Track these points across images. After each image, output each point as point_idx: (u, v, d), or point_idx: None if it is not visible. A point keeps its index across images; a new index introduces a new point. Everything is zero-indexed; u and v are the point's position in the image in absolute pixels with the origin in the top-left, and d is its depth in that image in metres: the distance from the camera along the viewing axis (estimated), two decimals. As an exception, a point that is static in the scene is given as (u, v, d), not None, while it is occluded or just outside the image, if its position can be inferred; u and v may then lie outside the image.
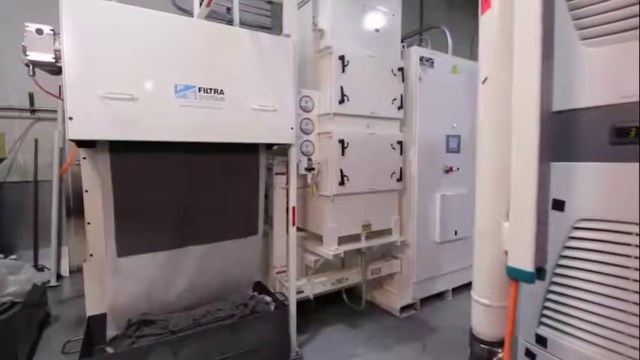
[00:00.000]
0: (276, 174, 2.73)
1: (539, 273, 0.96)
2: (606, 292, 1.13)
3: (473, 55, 6.28)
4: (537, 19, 0.85)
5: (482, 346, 1.15)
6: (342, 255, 2.66)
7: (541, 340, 1.30)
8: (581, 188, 1.13)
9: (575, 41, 1.11)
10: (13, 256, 2.96)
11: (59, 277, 3.85)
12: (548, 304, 1.25)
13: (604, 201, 1.09)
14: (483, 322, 1.16)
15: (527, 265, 0.96)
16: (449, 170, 3.26)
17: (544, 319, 1.27)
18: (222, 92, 2.08)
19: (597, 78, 1.08)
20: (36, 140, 3.85)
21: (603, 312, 1.14)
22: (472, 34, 7.25)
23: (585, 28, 1.11)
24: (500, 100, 0.97)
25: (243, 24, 2.41)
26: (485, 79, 0.99)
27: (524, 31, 0.88)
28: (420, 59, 3.00)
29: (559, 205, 1.17)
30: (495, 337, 1.13)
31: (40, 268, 3.58)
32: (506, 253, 1.05)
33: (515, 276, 1.01)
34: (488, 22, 0.99)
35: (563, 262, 1.24)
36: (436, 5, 6.51)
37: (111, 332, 2.07)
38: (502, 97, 0.96)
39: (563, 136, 1.13)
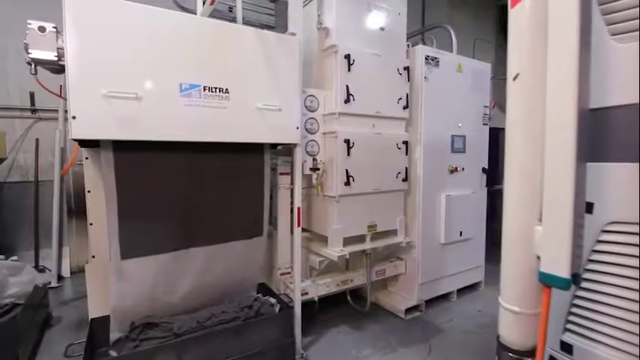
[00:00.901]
0: (280, 174, 2.69)
1: (575, 279, 0.90)
2: (637, 298, 1.08)
3: (475, 55, 6.24)
4: (575, 9, 0.80)
5: (511, 355, 1.09)
6: (348, 256, 2.62)
7: (566, 347, 1.25)
8: (612, 190, 1.08)
9: (605, 36, 1.06)
10: (14, 257, 2.91)
11: (60, 277, 3.81)
12: (574, 309, 1.20)
13: (636, 203, 1.04)
14: (513, 330, 1.09)
15: (563, 272, 0.91)
16: (454, 170, 3.22)
17: (570, 326, 1.22)
18: (227, 91, 2.04)
19: (629, 75, 1.03)
20: (37, 140, 3.80)
21: (633, 318, 1.09)
22: (473, 34, 7.21)
23: (614, 24, 1.06)
24: (532, 97, 0.92)
25: (246, 23, 2.37)
26: (517, 75, 0.94)
27: (560, 23, 0.83)
28: (426, 58, 2.96)
29: (588, 207, 1.11)
30: (525, 346, 1.07)
31: (41, 269, 3.54)
32: (538, 258, 1.00)
33: (549, 282, 0.95)
34: (519, 15, 0.94)
35: (592, 266, 1.18)
36: (437, 5, 6.47)
37: (114, 335, 2.03)
38: (535, 93, 0.90)
39: (593, 135, 1.07)
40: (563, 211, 0.89)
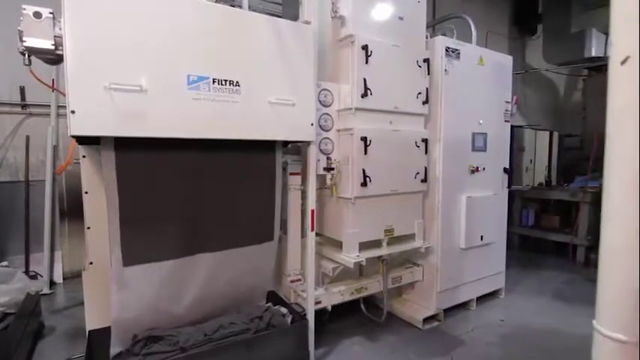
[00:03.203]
0: (291, 174, 2.61)
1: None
2: None
3: (487, 48, 6.15)
4: None
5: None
6: (364, 262, 2.54)
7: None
8: None
9: None
10: (4, 263, 2.84)
11: (52, 284, 3.72)
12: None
13: None
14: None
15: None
16: (475, 170, 3.15)
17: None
18: (237, 84, 1.97)
19: None
20: (27, 137, 3.72)
21: None
22: (486, 27, 7.13)
23: None
24: (646, 82, 0.82)
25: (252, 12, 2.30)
26: (626, 58, 0.84)
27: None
28: (446, 50, 2.88)
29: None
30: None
31: (32, 275, 3.46)
32: None
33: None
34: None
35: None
36: (449, -5, 6.39)
37: (115, 349, 1.95)
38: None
39: None
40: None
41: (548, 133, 7.04)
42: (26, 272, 3.53)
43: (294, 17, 2.41)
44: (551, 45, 7.27)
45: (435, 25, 5.03)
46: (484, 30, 6.86)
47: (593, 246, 4.48)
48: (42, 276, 3.61)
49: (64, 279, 3.86)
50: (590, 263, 4.45)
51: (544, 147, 6.97)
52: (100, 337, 2.01)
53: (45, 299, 3.35)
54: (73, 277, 3.88)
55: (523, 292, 3.75)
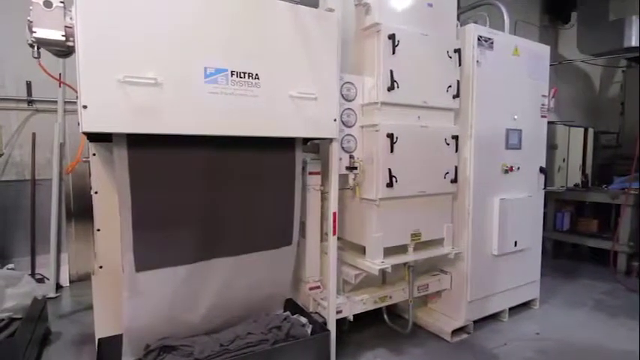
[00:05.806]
0: (310, 173, 2.57)
1: None
2: None
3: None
4: None
5: None
6: (390, 269, 2.48)
7: None
8: None
9: None
10: (11, 265, 2.86)
11: (58, 287, 3.75)
12: None
13: None
14: None
15: None
16: (508, 170, 3.05)
17: None
18: (257, 77, 1.93)
19: None
20: (33, 134, 3.76)
21: None
22: (514, 15, 7.00)
23: None
24: None
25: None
26: None
27: None
28: (478, 39, 2.79)
29: None
30: None
31: (39, 279, 3.50)
32: None
33: None
34: None
35: None
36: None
37: (126, 358, 1.94)
38: None
39: None
40: None
41: (582, 129, 6.84)
42: (32, 275, 3.57)
43: (313, 6, 2.36)
44: (586, 34, 7.05)
45: (460, 13, 4.92)
46: (512, 18, 6.70)
47: (637, 253, 4.32)
48: (48, 279, 3.65)
49: (70, 282, 3.90)
50: (633, 272, 4.29)
51: (578, 145, 6.76)
52: (111, 346, 2.01)
53: (51, 303, 3.38)
54: (80, 280, 3.93)
55: (559, 302, 3.63)
